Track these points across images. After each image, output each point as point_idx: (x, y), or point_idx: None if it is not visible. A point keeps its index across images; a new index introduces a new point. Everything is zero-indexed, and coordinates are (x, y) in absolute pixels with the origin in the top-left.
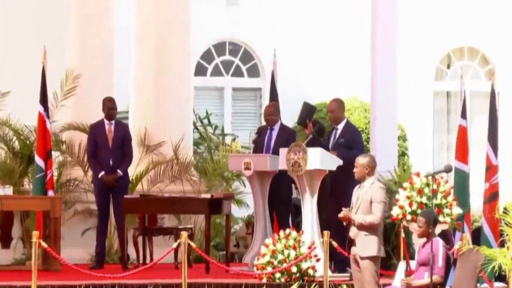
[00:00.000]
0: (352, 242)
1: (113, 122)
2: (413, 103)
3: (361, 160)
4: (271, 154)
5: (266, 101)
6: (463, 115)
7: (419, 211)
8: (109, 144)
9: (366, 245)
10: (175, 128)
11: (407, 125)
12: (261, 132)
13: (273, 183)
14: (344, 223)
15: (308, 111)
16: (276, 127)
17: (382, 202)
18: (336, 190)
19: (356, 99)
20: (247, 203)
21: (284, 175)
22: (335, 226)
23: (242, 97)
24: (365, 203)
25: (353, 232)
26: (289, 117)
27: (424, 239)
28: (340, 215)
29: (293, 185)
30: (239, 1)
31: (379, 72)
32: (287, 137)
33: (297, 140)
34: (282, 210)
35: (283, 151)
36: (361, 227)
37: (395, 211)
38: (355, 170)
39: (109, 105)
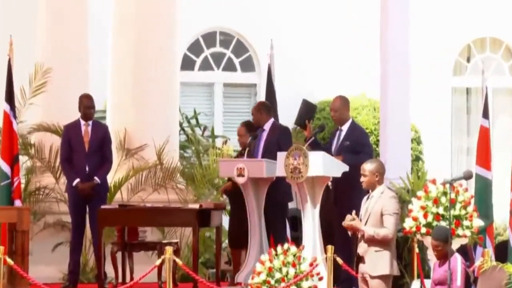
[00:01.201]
0: (360, 259)
1: (90, 122)
2: (428, 101)
3: (368, 166)
4: (260, 157)
5: (261, 98)
6: (485, 114)
7: (435, 223)
8: (85, 148)
9: (377, 262)
10: (158, 129)
11: (422, 126)
12: (256, 134)
13: (270, 191)
14: (349, 233)
15: (307, 110)
16: (267, 127)
17: (394, 213)
18: (341, 199)
19: (364, 96)
20: None
21: (282, 183)
22: (340, 241)
23: (235, 94)
24: (375, 215)
25: (362, 248)
26: (288, 117)
27: None
28: (346, 222)
29: (292, 194)
30: None
31: (390, 66)
32: (278, 137)
33: (293, 139)
34: (280, 222)
35: (281, 155)
36: (372, 241)
37: (408, 224)
38: (362, 178)
39: (86, 104)
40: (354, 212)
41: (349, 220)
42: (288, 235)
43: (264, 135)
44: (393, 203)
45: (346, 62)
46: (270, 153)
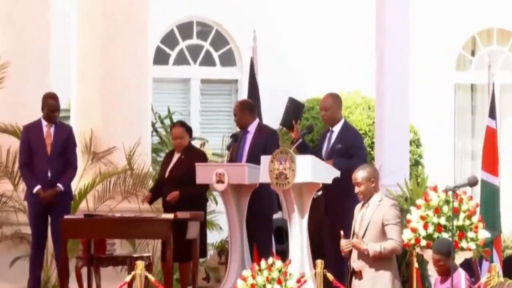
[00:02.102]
0: (354, 275)
1: (52, 124)
2: (429, 99)
3: (361, 174)
4: (245, 162)
5: (243, 96)
6: (492, 114)
7: (436, 235)
8: (47, 151)
9: (377, 280)
10: (128, 130)
11: (422, 127)
12: (237, 136)
13: (253, 199)
14: (343, 253)
15: (294, 109)
16: (252, 129)
17: (398, 223)
18: (333, 208)
19: (358, 93)
20: (220, 226)
21: (266, 190)
22: (331, 254)
23: (214, 92)
24: (375, 226)
25: (357, 262)
26: (272, 117)
27: None
28: (344, 245)
29: (279, 203)
30: None
31: (387, 60)
32: (265, 140)
33: (281, 143)
34: (264, 234)
35: (265, 159)
36: (377, 257)
37: (407, 235)
38: (357, 189)
39: (51, 105)
40: (342, 233)
41: (345, 244)
42: (273, 248)
43: (249, 138)
44: (394, 211)
45: (337, 56)
46: (255, 159)
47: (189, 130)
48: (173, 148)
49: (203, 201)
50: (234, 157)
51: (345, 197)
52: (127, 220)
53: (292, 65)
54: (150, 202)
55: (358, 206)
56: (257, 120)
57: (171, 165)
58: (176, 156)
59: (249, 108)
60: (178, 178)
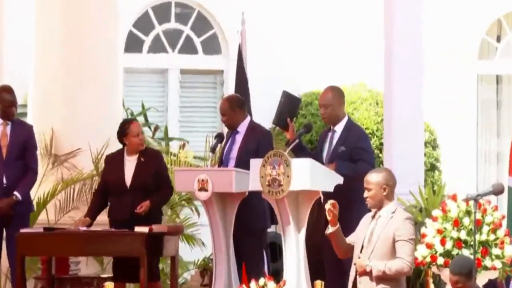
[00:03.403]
0: None
1: (9, 122)
2: (447, 93)
3: (374, 177)
4: (234, 167)
5: (230, 89)
6: None
7: (455, 251)
8: (2, 154)
9: None
10: (95, 130)
11: (439, 126)
12: (223, 136)
13: (242, 210)
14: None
15: (289, 105)
16: (242, 129)
17: (411, 239)
18: None
19: (363, 86)
20: (203, 241)
21: (257, 199)
22: (331, 274)
23: (195, 84)
24: (384, 242)
25: (364, 284)
26: (263, 114)
27: None
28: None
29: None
30: None
31: (397, 47)
32: (257, 142)
33: (274, 145)
34: (254, 251)
35: (255, 163)
36: (382, 278)
37: (421, 252)
38: (366, 194)
39: (6, 99)
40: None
41: (329, 204)
42: (265, 267)
43: (238, 138)
44: (408, 226)
45: (339, 43)
46: (245, 164)
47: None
48: (119, 150)
49: (160, 212)
50: (219, 161)
51: (349, 207)
52: (94, 235)
53: (287, 53)
54: (91, 225)
55: (368, 217)
56: (249, 118)
57: (132, 170)
58: (131, 160)
59: (239, 105)
60: (145, 186)
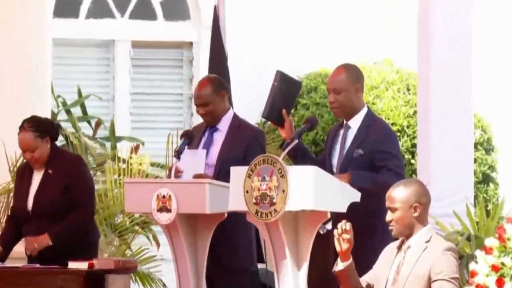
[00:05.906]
0: None
1: None
2: (504, 81)
3: (400, 192)
4: (213, 178)
5: (202, 69)
6: None
7: None
8: None
9: None
10: (13, 126)
11: (494, 122)
12: (191, 135)
13: (218, 239)
14: None
15: (285, 91)
16: (223, 125)
17: (454, 279)
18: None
19: (389, 64)
20: (163, 281)
21: (240, 223)
22: None
23: (154, 62)
24: (418, 281)
25: None
26: (249, 103)
27: None
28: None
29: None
30: None
31: (435, 16)
32: (246, 145)
33: (267, 149)
34: None
35: (237, 172)
36: None
37: None
38: (390, 216)
39: None
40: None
41: (340, 229)
42: None
43: (218, 140)
44: (450, 260)
45: (354, 5)
46: (227, 176)
47: (43, 130)
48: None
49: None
50: (188, 170)
51: (368, 234)
52: (13, 273)
53: (281, 19)
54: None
55: (392, 248)
56: (232, 111)
57: (34, 188)
58: (39, 174)
59: (223, 90)
60: (49, 209)
